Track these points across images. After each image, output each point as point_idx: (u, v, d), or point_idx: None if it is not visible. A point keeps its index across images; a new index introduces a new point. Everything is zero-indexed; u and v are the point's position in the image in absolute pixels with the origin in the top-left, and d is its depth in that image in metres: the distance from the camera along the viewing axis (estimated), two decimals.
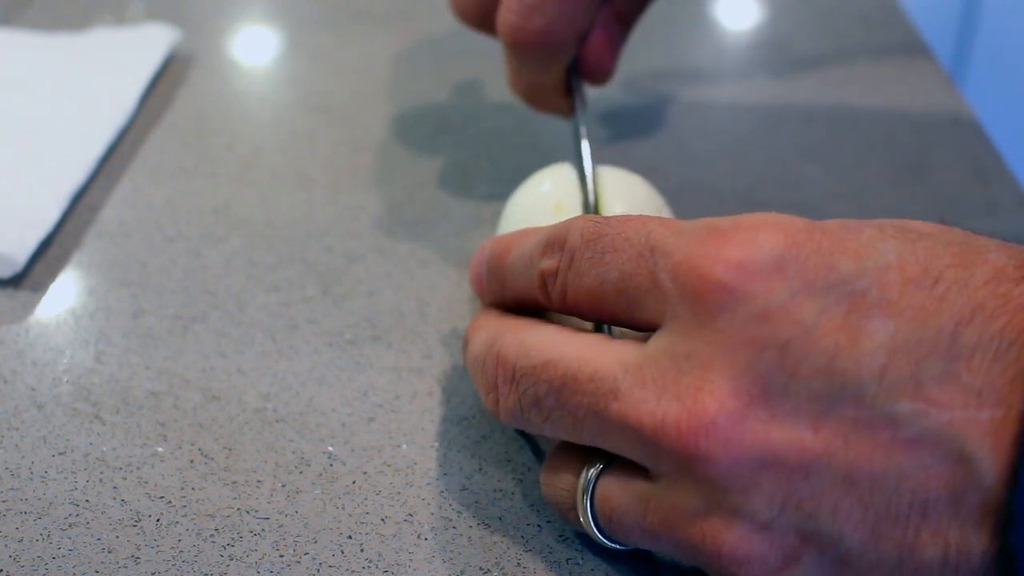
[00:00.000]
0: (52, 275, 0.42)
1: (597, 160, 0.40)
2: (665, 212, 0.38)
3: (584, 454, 0.30)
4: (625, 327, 0.29)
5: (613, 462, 0.29)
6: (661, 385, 0.26)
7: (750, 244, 0.26)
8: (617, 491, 0.28)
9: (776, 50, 0.61)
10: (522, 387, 0.29)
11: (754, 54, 0.61)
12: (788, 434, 0.25)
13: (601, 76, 0.45)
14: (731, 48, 0.62)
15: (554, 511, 0.32)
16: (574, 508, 0.30)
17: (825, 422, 0.25)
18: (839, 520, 0.25)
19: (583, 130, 0.42)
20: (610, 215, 0.30)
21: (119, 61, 0.54)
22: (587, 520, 0.29)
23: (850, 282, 0.25)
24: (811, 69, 0.58)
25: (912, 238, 0.26)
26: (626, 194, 0.38)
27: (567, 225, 0.30)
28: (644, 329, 0.28)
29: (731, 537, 0.26)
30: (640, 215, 0.29)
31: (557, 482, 0.31)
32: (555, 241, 0.30)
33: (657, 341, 0.27)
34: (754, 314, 0.25)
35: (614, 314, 0.29)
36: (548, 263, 0.30)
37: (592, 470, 0.29)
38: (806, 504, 0.25)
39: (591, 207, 0.39)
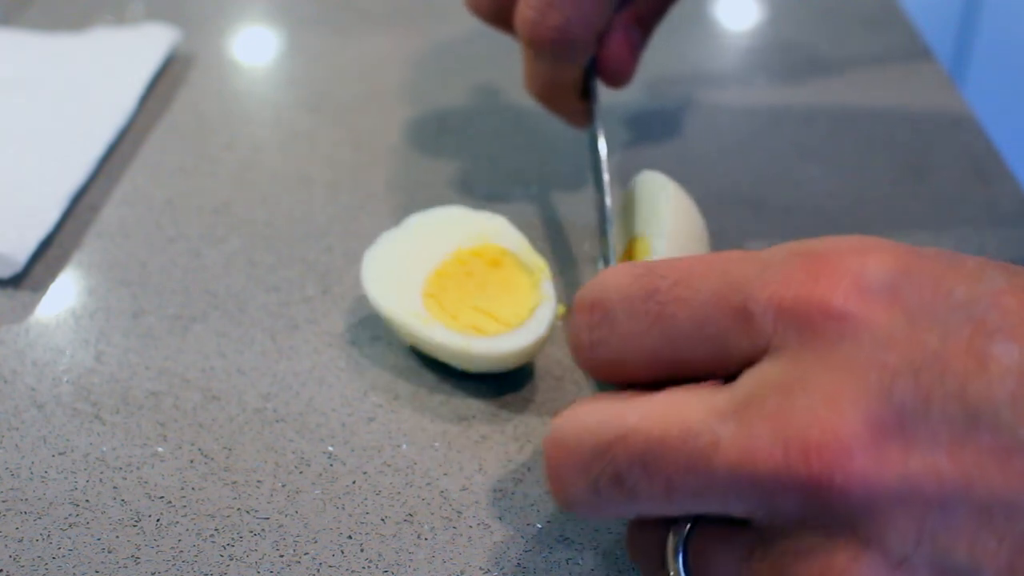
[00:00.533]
0: (52, 275, 0.42)
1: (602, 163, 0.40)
2: (699, 226, 0.39)
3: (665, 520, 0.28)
4: (700, 380, 0.27)
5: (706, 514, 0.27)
6: (774, 422, 0.24)
7: (862, 268, 0.25)
8: (715, 542, 0.27)
9: (776, 51, 0.61)
10: (595, 469, 0.26)
11: (754, 55, 0.61)
12: (926, 463, 0.24)
13: (620, 78, 0.44)
14: (731, 49, 0.62)
15: (640, 570, 0.30)
16: (663, 566, 0.28)
17: (962, 450, 0.24)
18: (976, 554, 0.24)
19: (601, 134, 0.42)
20: (650, 258, 0.28)
21: (119, 61, 0.54)
22: None
23: (968, 306, 0.25)
24: (811, 69, 0.58)
25: (1012, 270, 0.26)
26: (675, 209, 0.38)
27: (600, 285, 0.28)
28: (726, 375, 0.26)
29: None
30: (690, 257, 0.28)
31: (645, 540, 0.28)
32: (593, 304, 0.28)
33: (754, 379, 0.25)
34: (880, 340, 0.24)
35: (689, 368, 0.27)
36: (574, 334, 0.28)
37: (685, 525, 0.27)
38: (942, 538, 0.24)
39: (607, 213, 0.39)
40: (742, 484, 0.25)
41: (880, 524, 0.24)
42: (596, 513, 0.28)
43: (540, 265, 0.39)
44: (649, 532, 0.28)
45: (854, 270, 0.25)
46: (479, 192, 0.48)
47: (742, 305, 0.26)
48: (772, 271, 0.26)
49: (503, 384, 0.38)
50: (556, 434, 0.27)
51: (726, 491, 0.25)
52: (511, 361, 0.37)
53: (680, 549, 0.27)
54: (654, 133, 0.53)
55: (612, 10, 0.42)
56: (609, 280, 0.28)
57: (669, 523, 0.28)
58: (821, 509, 0.24)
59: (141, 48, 0.55)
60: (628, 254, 0.39)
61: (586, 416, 0.27)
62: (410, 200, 0.47)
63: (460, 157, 0.51)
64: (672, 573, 0.27)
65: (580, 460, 0.26)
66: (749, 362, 0.26)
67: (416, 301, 0.38)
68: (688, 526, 0.27)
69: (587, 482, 0.26)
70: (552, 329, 0.38)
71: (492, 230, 0.40)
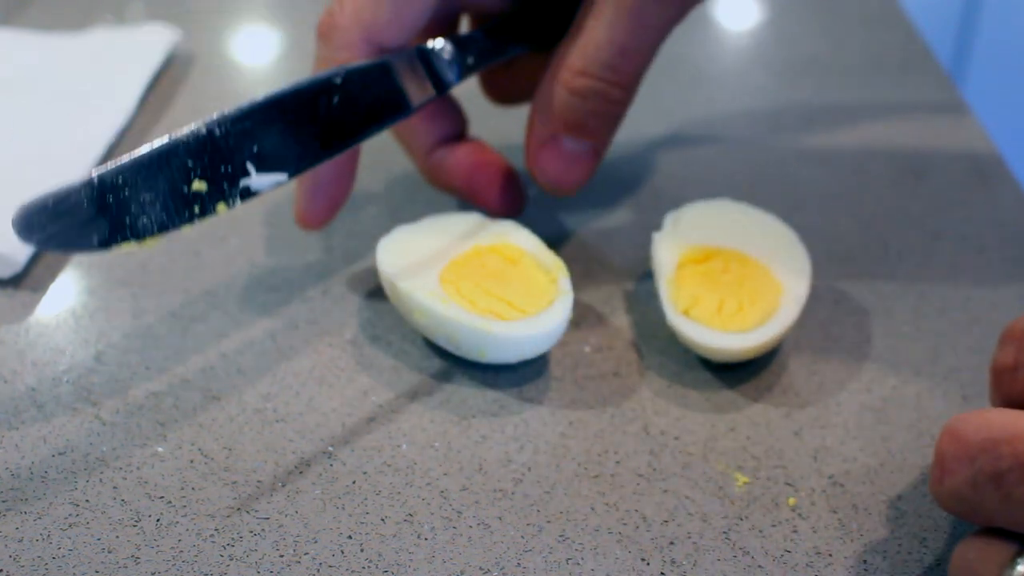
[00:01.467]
0: (52, 275, 0.42)
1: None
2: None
3: (1019, 540, 0.28)
4: None
5: None
6: None
7: None
8: None
9: (776, 50, 0.61)
10: (979, 462, 0.27)
11: (754, 54, 0.61)
12: None
13: (553, 187, 0.42)
14: (731, 48, 0.62)
15: None
16: None
17: None
18: None
19: None
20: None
21: (119, 61, 0.54)
22: None
23: None
24: (811, 69, 0.58)
25: None
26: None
27: None
28: None
29: None
30: None
31: (981, 564, 0.28)
32: (1010, 332, 0.29)
33: None
34: None
35: None
36: (1002, 357, 0.29)
37: None
38: None
39: None
40: None
41: None
42: (965, 511, 0.28)
43: (558, 264, 0.39)
44: (990, 558, 0.28)
45: None
46: None
47: None
48: None
49: (503, 384, 0.38)
50: (954, 424, 0.28)
51: None
52: (531, 347, 0.37)
53: None
54: (653, 133, 0.53)
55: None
56: None
57: (1014, 553, 0.27)
58: None
59: (141, 48, 0.55)
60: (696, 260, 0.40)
61: (988, 415, 0.28)
62: (410, 200, 0.47)
63: None
64: None
65: (968, 450, 0.27)
66: None
67: (434, 282, 0.38)
68: None
69: (968, 474, 0.27)
70: (570, 323, 0.38)
71: (509, 231, 0.41)
